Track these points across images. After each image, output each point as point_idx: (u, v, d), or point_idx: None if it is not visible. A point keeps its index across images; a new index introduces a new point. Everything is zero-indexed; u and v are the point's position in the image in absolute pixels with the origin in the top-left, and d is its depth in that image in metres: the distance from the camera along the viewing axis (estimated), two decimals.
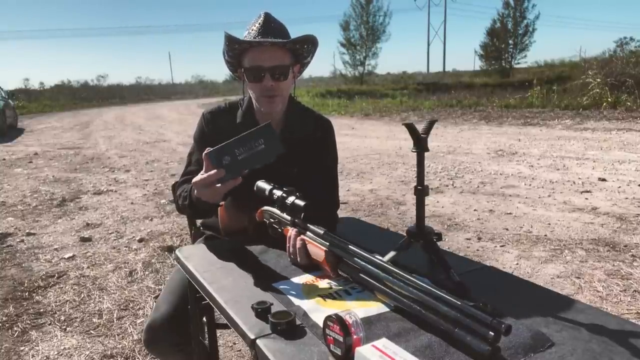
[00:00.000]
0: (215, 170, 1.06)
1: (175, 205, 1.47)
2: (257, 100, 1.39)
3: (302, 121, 1.48)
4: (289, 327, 0.83)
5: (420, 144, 0.92)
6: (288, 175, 1.40)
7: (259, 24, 1.33)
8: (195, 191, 1.15)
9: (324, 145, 1.52)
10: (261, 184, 1.26)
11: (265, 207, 1.28)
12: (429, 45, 46.34)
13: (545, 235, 3.39)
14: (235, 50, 1.34)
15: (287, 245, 1.15)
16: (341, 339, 0.72)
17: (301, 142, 1.46)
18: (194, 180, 1.13)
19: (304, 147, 1.46)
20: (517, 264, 2.94)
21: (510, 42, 31.92)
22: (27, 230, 3.89)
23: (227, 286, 1.04)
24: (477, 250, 3.20)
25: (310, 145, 1.47)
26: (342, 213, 1.59)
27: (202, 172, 1.10)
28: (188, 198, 1.29)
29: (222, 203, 1.44)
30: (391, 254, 1.00)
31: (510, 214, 3.94)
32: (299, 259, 1.10)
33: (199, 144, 1.47)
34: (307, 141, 1.47)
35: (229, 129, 1.43)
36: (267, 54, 1.31)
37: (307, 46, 1.38)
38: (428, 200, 4.13)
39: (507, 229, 3.57)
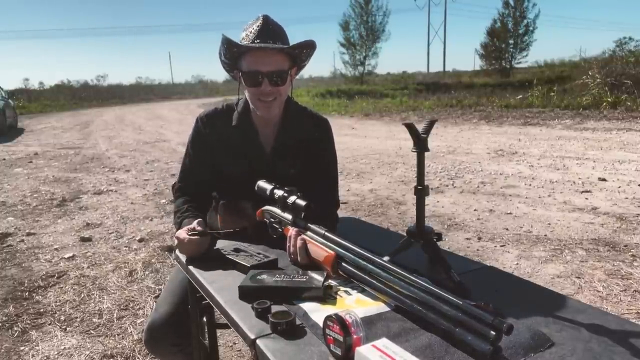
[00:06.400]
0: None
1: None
2: (253, 104, 1.37)
3: (299, 121, 1.47)
4: (289, 327, 0.83)
5: (420, 144, 0.92)
6: (288, 176, 1.40)
7: (258, 26, 1.30)
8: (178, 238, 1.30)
9: (323, 144, 1.50)
10: (262, 183, 1.27)
11: (266, 207, 1.28)
12: (429, 45, 46.43)
13: (545, 235, 3.39)
14: (233, 53, 1.33)
15: (288, 244, 1.15)
16: (341, 338, 0.72)
17: (299, 142, 1.45)
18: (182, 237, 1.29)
19: (302, 147, 1.46)
20: (517, 264, 2.94)
21: (511, 41, 31.91)
22: (27, 230, 3.89)
23: (227, 286, 1.04)
24: (477, 250, 3.20)
25: (308, 145, 1.46)
26: (342, 213, 1.59)
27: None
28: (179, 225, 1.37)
29: (222, 201, 1.45)
30: (391, 253, 1.00)
31: (510, 214, 3.94)
32: (299, 259, 1.10)
33: (194, 146, 1.46)
34: (305, 141, 1.46)
35: (225, 132, 1.43)
36: (266, 59, 1.29)
37: (306, 50, 1.37)
38: (428, 200, 4.11)
39: (507, 229, 3.57)
